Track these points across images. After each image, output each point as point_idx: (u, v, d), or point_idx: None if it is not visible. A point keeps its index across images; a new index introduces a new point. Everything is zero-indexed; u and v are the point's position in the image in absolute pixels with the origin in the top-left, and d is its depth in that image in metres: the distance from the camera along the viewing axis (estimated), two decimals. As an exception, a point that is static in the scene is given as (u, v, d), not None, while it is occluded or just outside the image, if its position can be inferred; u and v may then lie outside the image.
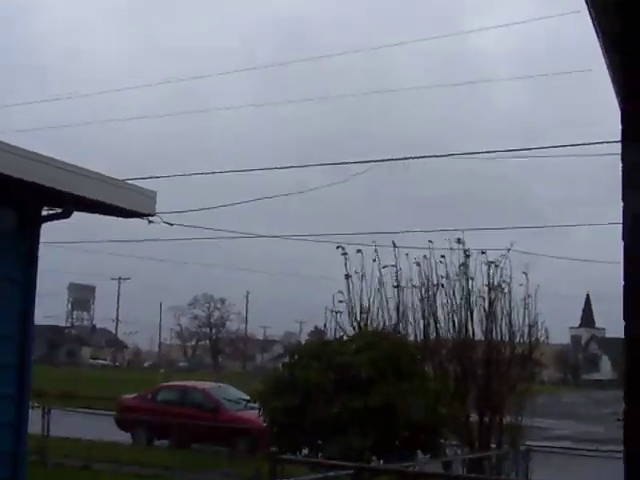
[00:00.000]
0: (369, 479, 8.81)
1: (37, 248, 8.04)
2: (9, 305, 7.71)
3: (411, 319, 13.22)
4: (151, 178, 17.96)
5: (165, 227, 17.87)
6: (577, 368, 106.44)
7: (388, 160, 18.61)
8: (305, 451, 9.27)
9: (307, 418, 8.86)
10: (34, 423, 15.73)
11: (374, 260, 12.77)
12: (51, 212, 8.16)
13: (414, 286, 13.08)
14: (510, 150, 24.75)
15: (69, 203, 7.82)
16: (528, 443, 14.22)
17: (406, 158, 18.05)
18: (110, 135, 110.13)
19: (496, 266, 13.11)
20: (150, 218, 11.36)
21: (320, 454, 8.86)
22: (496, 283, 13.15)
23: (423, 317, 13.27)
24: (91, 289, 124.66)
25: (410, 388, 9.10)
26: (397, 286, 13.24)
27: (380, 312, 13.06)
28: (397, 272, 13.08)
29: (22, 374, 7.84)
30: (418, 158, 18.94)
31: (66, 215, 7.97)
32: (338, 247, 13.00)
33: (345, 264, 12.74)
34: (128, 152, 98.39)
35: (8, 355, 7.68)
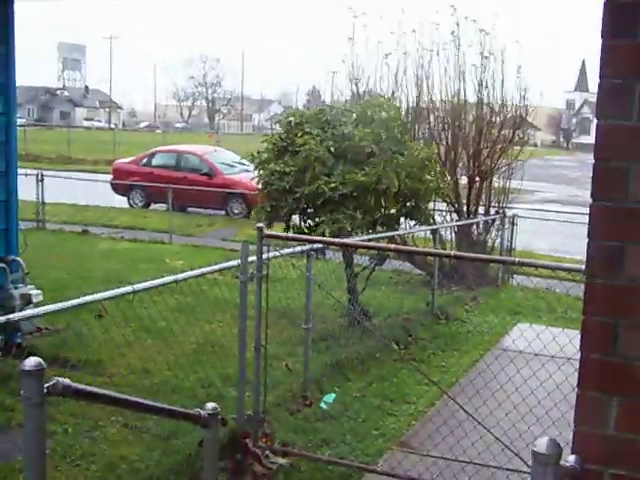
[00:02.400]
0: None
1: (12, 13, 7.71)
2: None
3: (406, 87, 13.11)
4: None
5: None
6: (569, 132, 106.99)
7: None
8: (295, 219, 9.39)
9: (303, 187, 8.86)
10: (29, 190, 16.13)
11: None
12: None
13: (405, 53, 12.82)
14: None
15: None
16: (516, 206, 14.55)
17: None
18: None
19: (487, 34, 12.76)
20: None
21: (310, 224, 9.03)
22: (489, 51, 12.87)
23: (417, 85, 13.15)
24: (81, 48, 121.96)
25: (405, 162, 9.08)
26: (389, 54, 12.95)
27: (379, 79, 12.93)
28: (398, 39, 12.74)
29: (7, 149, 7.85)
30: None
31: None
32: (349, 9, 12.54)
33: (352, 27, 12.43)
34: None
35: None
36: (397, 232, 9.56)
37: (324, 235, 8.30)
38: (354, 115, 9.57)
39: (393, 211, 8.95)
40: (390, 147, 9.15)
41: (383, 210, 8.85)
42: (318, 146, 8.93)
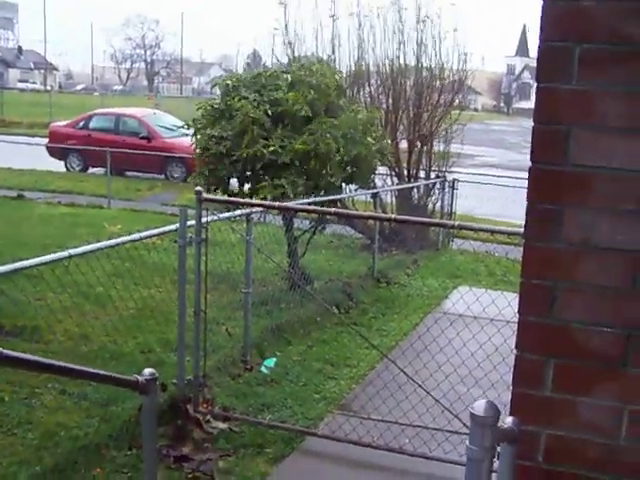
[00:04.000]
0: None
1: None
2: None
3: (345, 50, 13.05)
4: None
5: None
6: (510, 97, 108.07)
7: None
8: (233, 183, 9.32)
9: (241, 151, 8.77)
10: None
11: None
12: None
13: (349, 15, 12.76)
14: None
15: None
16: (456, 170, 14.67)
17: None
18: None
19: None
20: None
21: (249, 190, 8.95)
22: (425, 14, 12.87)
23: (358, 47, 13.10)
24: (14, 7, 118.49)
25: (340, 123, 9.02)
26: (332, 16, 12.89)
27: (315, 42, 12.83)
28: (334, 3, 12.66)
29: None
30: None
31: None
32: None
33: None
34: None
35: None
36: (338, 196, 9.54)
37: (265, 199, 8.24)
38: (289, 77, 9.49)
39: (336, 178, 8.90)
40: (324, 110, 9.10)
41: (328, 177, 8.81)
42: (255, 110, 8.84)
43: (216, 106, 9.28)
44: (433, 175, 13.86)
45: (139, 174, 20.93)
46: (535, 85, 2.07)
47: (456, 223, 5.62)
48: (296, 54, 12.76)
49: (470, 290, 7.64)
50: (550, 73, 2.02)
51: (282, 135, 8.81)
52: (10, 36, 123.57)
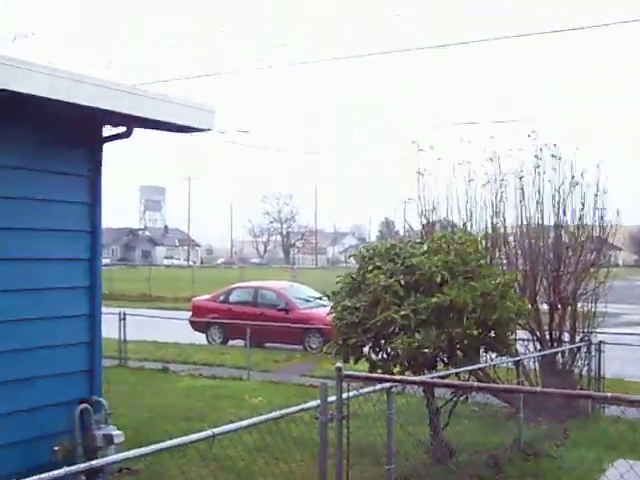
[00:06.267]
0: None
1: (100, 168, 8.13)
2: (76, 227, 7.91)
3: (480, 216, 13.07)
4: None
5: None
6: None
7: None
8: (366, 350, 9.34)
9: (374, 317, 8.86)
10: (112, 328, 16.45)
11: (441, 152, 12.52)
12: (113, 132, 8.20)
13: (484, 185, 12.83)
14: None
15: (131, 122, 7.85)
16: (600, 331, 14.05)
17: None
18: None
19: (559, 159, 12.73)
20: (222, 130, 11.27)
21: (384, 355, 8.93)
22: (566, 179, 12.80)
23: (494, 213, 13.06)
24: (161, 190, 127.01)
25: (479, 286, 8.98)
26: (470, 181, 12.96)
27: (449, 209, 12.94)
28: (468, 169, 12.82)
29: (93, 292, 8.09)
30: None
31: (128, 134, 8.04)
32: (413, 142, 12.75)
33: (418, 161, 12.57)
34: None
35: (80, 275, 7.96)
36: (478, 366, 9.31)
37: (398, 356, 8.22)
38: (425, 246, 9.62)
39: (474, 333, 8.75)
40: (462, 273, 9.11)
41: (464, 331, 8.68)
42: (388, 279, 8.97)
43: (353, 277, 9.50)
44: (578, 338, 13.33)
45: (278, 345, 21.23)
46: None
47: (608, 395, 5.34)
48: (431, 220, 12.91)
49: (631, 469, 7.00)
50: None
51: (415, 300, 8.84)
52: (158, 217, 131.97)
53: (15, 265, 7.33)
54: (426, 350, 8.39)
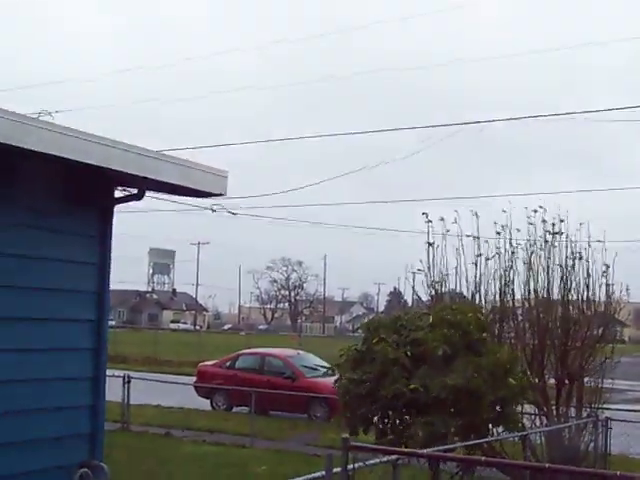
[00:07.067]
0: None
1: (111, 229, 8.18)
2: (83, 289, 7.93)
3: (488, 288, 13.08)
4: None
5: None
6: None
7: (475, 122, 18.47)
8: (376, 420, 9.30)
9: (382, 391, 8.86)
10: (116, 391, 16.37)
11: (454, 222, 12.62)
12: (125, 194, 8.28)
13: (492, 257, 12.88)
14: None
15: (143, 185, 7.94)
16: (607, 407, 13.90)
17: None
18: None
19: (564, 234, 12.83)
20: (214, 207, 11.43)
21: (396, 432, 8.89)
22: (572, 252, 12.87)
23: (502, 285, 13.06)
24: (171, 253, 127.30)
25: (485, 363, 8.99)
26: (478, 255, 13.01)
27: (458, 281, 12.96)
28: (477, 241, 12.89)
29: (99, 354, 8.08)
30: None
31: (140, 197, 8.10)
32: (424, 214, 12.84)
33: (427, 232, 12.66)
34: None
35: (86, 337, 7.95)
36: (485, 440, 9.25)
37: (414, 438, 8.17)
38: (430, 318, 9.66)
39: (485, 416, 8.74)
40: (464, 349, 9.14)
41: (481, 416, 8.67)
42: (394, 351, 9.01)
43: (357, 349, 9.56)
44: (584, 413, 13.19)
45: (282, 413, 21.03)
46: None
47: (618, 473, 5.27)
48: (439, 291, 12.91)
49: None
50: None
51: (424, 374, 8.85)
52: (166, 280, 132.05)
53: (19, 324, 7.28)
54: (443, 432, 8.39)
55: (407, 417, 8.72)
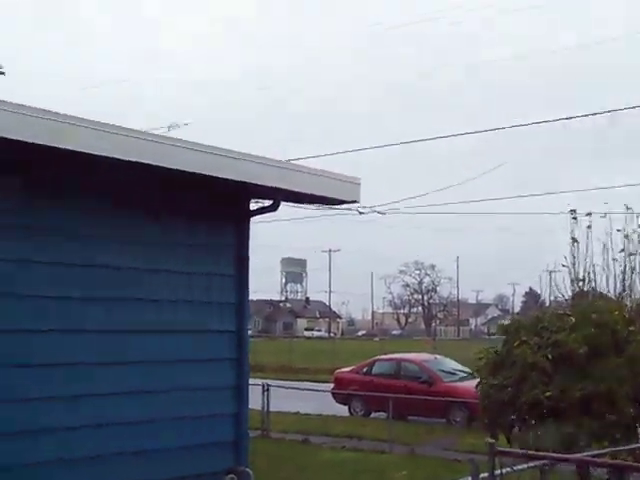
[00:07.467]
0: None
1: (248, 241, 8.35)
2: (224, 301, 8.13)
3: (633, 285, 12.52)
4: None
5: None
6: None
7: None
8: (516, 430, 9.10)
9: (522, 397, 8.65)
10: (255, 399, 16.68)
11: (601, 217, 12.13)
12: (260, 206, 8.44)
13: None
14: None
15: (278, 196, 8.07)
16: None
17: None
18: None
19: None
20: (360, 209, 11.51)
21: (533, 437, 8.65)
22: None
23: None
24: (302, 262, 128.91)
25: (626, 361, 8.63)
26: (621, 250, 12.47)
27: (605, 279, 12.45)
28: (627, 236, 12.36)
29: (241, 364, 8.26)
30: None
31: (274, 208, 8.23)
32: (571, 211, 12.42)
33: (572, 229, 12.25)
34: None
35: (227, 347, 8.14)
36: (637, 445, 8.86)
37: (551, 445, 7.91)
38: (572, 319, 9.34)
39: (630, 411, 8.36)
40: (612, 348, 8.78)
41: (617, 414, 8.31)
42: (534, 355, 8.77)
43: (497, 352, 9.36)
44: None
45: (420, 418, 20.87)
46: None
47: None
48: (584, 289, 12.45)
49: None
50: None
51: (563, 380, 8.59)
52: (299, 289, 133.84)
53: (163, 337, 7.57)
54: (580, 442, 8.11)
55: (546, 422, 8.44)
